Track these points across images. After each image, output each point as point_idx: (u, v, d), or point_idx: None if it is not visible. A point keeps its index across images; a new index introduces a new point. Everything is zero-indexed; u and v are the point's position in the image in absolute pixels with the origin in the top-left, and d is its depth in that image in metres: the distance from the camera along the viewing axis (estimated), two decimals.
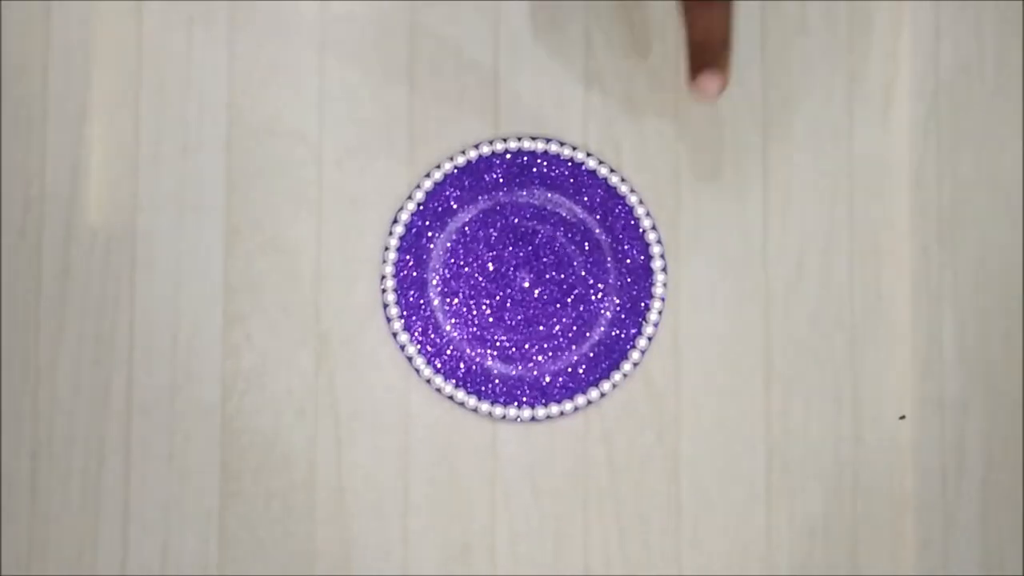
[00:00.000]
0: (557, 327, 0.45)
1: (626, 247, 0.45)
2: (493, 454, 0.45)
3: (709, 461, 0.45)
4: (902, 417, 0.45)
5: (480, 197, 0.45)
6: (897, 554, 0.45)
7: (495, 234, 0.45)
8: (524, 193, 0.45)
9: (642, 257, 0.44)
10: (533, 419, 0.44)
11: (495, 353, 0.45)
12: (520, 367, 0.45)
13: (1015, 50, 0.46)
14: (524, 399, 0.44)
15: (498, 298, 0.45)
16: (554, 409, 0.44)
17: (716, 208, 0.46)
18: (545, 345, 0.45)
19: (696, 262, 0.45)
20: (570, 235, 0.45)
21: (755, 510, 0.45)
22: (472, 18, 0.46)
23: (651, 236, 0.44)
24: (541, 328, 0.45)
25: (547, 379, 0.44)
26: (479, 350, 0.45)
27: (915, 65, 0.46)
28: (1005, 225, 0.46)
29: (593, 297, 0.45)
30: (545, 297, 0.45)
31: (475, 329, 0.45)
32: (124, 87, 0.46)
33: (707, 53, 0.37)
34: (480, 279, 0.45)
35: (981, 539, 0.45)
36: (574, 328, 0.45)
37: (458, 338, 0.45)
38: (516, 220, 0.45)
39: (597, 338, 0.45)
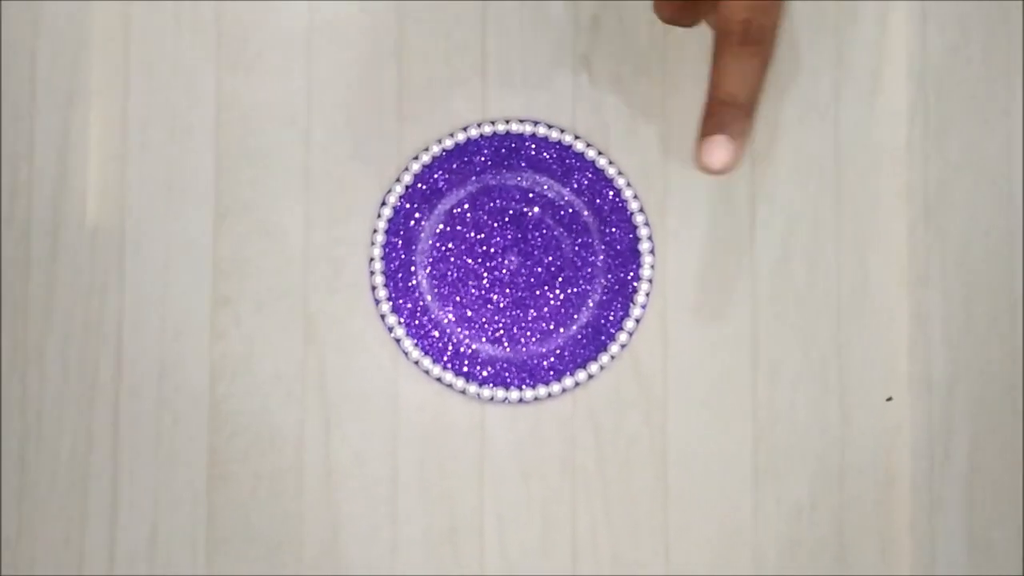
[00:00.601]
0: (545, 309, 0.45)
1: (614, 229, 0.45)
2: (481, 436, 0.45)
3: (696, 443, 0.45)
4: (889, 399, 0.45)
5: (468, 179, 0.45)
6: (885, 535, 0.45)
7: (484, 216, 0.45)
8: (512, 176, 0.45)
9: (630, 238, 0.44)
10: (521, 400, 0.44)
11: (483, 335, 0.45)
12: (508, 349, 0.45)
13: (1002, 34, 0.46)
14: (512, 381, 0.44)
15: (486, 280, 0.45)
16: (542, 391, 0.44)
17: (703, 190, 0.46)
18: (533, 327, 0.45)
19: (683, 244, 0.45)
20: (558, 217, 0.45)
21: (742, 492, 0.45)
22: (462, 3, 0.46)
23: (639, 218, 0.44)
24: (530, 310, 0.45)
25: (535, 360, 0.45)
26: (467, 332, 0.45)
27: (902, 49, 0.46)
28: (993, 208, 0.46)
29: (581, 279, 0.45)
30: (533, 279, 0.45)
31: (463, 311, 0.45)
32: (112, 71, 0.46)
33: (728, 113, 0.31)
34: (468, 261, 0.45)
35: (968, 519, 0.45)
36: (562, 310, 0.45)
37: (446, 320, 0.45)
38: (504, 202, 0.45)
39: (585, 320, 0.45)
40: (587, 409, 0.45)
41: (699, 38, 0.46)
